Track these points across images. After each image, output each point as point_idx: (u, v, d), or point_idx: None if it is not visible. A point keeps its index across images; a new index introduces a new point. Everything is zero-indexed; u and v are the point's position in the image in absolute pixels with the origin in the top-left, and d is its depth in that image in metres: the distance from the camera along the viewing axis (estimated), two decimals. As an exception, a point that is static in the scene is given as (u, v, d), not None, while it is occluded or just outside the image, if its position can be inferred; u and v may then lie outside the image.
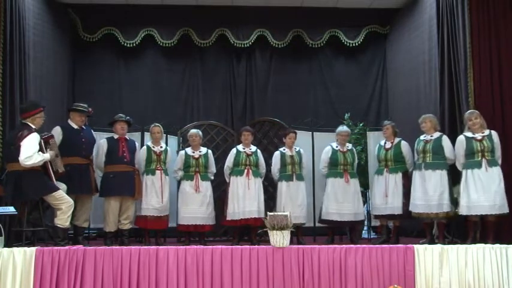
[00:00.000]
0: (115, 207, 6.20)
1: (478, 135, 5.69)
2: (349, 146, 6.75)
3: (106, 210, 6.22)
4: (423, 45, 7.41)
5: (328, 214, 6.48)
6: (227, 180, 6.56)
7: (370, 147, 7.25)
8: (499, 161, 5.63)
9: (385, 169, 6.33)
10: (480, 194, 5.51)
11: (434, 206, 5.77)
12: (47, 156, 5.37)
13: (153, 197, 6.31)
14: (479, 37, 6.22)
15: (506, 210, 5.46)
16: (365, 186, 7.36)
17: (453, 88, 6.47)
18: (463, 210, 5.60)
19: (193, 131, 6.70)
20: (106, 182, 6.24)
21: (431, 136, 6.03)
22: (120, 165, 6.23)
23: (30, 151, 5.19)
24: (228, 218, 6.35)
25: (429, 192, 5.80)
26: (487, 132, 5.70)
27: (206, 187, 6.45)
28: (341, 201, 6.43)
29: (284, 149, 6.66)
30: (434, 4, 6.97)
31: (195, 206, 6.35)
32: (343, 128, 6.77)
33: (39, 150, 5.29)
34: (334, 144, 6.69)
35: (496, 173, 5.53)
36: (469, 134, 5.76)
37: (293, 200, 6.41)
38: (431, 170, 5.85)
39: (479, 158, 5.61)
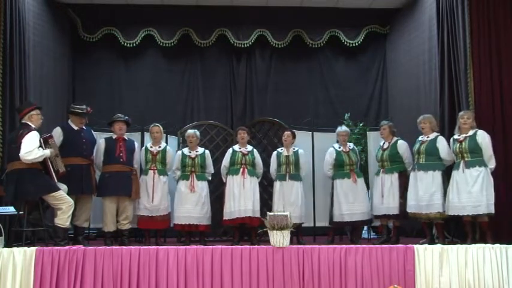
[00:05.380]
0: (111, 207, 6.21)
1: (461, 137, 5.71)
2: (351, 145, 6.77)
3: (103, 210, 6.24)
4: (423, 45, 7.41)
5: (341, 216, 6.47)
6: (224, 180, 6.57)
7: (370, 147, 7.26)
8: (491, 162, 5.57)
9: (381, 169, 6.34)
10: (454, 195, 5.58)
11: (423, 206, 5.79)
12: (47, 152, 5.38)
13: (145, 197, 6.33)
14: (479, 37, 6.22)
15: (484, 211, 5.41)
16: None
17: (453, 88, 6.47)
18: (446, 210, 5.71)
19: (190, 131, 6.70)
20: (102, 182, 6.25)
21: (427, 137, 6.03)
22: (116, 165, 6.23)
23: (31, 146, 5.21)
24: (225, 217, 6.37)
25: (419, 193, 5.83)
26: (471, 132, 5.68)
27: (202, 187, 6.44)
28: (352, 201, 6.44)
29: (281, 149, 6.67)
30: (434, 4, 6.97)
31: (190, 205, 6.34)
32: (342, 128, 6.79)
33: (39, 147, 5.30)
34: (337, 145, 6.70)
35: (474, 174, 5.49)
36: (456, 136, 5.80)
37: (285, 200, 6.40)
38: (423, 171, 5.87)
39: (459, 160, 5.66)
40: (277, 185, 6.53)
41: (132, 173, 6.29)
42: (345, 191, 6.48)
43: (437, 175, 5.83)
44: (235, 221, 6.31)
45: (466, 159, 5.60)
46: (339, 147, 6.66)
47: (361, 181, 6.58)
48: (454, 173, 5.67)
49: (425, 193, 5.79)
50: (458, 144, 5.69)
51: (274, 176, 6.65)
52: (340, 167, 6.58)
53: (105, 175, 6.23)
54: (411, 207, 5.93)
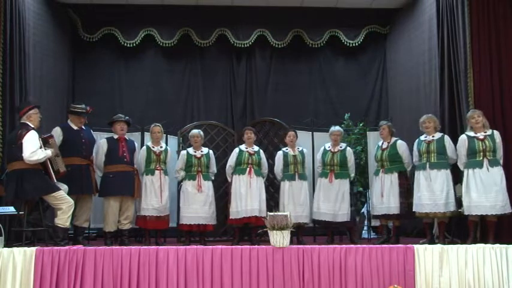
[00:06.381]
0: (115, 207, 6.20)
1: (480, 135, 5.68)
2: (343, 146, 6.72)
3: (106, 211, 6.23)
4: (423, 45, 7.41)
5: (313, 213, 6.56)
6: (229, 179, 6.57)
7: (370, 147, 7.26)
8: (501, 161, 5.63)
9: (381, 169, 6.33)
10: (481, 193, 5.50)
11: (441, 205, 5.75)
12: (48, 152, 5.39)
13: (153, 197, 6.32)
14: (479, 37, 6.22)
15: (508, 210, 5.46)
16: (365, 186, 7.36)
17: (453, 88, 6.48)
18: (465, 209, 5.62)
19: (194, 131, 6.71)
20: (105, 182, 6.24)
21: (432, 136, 6.01)
22: (119, 165, 6.24)
23: (34, 147, 5.22)
24: (231, 216, 6.36)
25: (436, 192, 5.79)
26: (489, 131, 5.69)
27: (208, 187, 6.46)
28: (322, 200, 6.47)
29: (287, 149, 6.67)
30: (434, 4, 6.98)
31: (197, 205, 6.35)
32: (334, 128, 6.76)
33: (40, 148, 5.30)
34: (328, 145, 6.71)
35: (498, 172, 5.52)
36: (471, 134, 5.75)
37: (295, 200, 6.42)
38: (437, 169, 5.84)
39: (481, 158, 5.61)
40: (285, 185, 6.52)
41: (135, 172, 6.31)
42: (320, 190, 6.53)
43: (449, 173, 5.83)
44: (242, 221, 6.31)
45: (489, 157, 5.58)
46: (328, 147, 6.67)
47: (340, 182, 6.49)
48: (476, 171, 5.58)
49: (442, 192, 5.76)
50: (479, 143, 5.64)
51: (280, 176, 6.64)
52: (324, 166, 6.62)
53: (109, 175, 6.22)
54: (425, 207, 5.83)
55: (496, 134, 5.69)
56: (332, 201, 6.44)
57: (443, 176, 5.80)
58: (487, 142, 5.62)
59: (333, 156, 6.57)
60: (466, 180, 5.64)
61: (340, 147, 6.66)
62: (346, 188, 6.52)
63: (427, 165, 5.91)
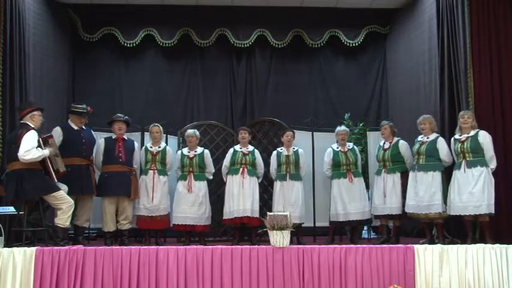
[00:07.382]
0: (111, 207, 6.21)
1: (463, 137, 5.71)
2: (350, 145, 6.76)
3: (103, 210, 6.24)
4: (423, 45, 7.41)
5: (336, 215, 6.50)
6: (224, 179, 6.57)
7: (370, 147, 7.26)
8: (492, 162, 5.58)
9: (383, 169, 6.34)
10: (456, 195, 5.59)
11: (424, 206, 5.80)
12: (46, 152, 5.38)
13: (144, 197, 6.33)
14: (479, 37, 6.22)
15: (484, 211, 5.42)
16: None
17: (453, 88, 6.48)
18: (447, 210, 5.72)
19: (190, 131, 6.70)
20: (101, 182, 6.25)
21: (427, 138, 6.03)
22: (115, 165, 6.24)
23: (29, 145, 5.21)
24: (225, 216, 6.38)
25: (419, 193, 5.84)
26: (472, 133, 5.68)
27: (199, 187, 6.43)
28: (347, 201, 6.46)
29: (281, 149, 6.67)
30: (434, 4, 6.98)
31: (186, 206, 6.34)
32: (341, 128, 6.79)
33: (37, 147, 5.30)
34: (335, 146, 6.71)
35: (476, 174, 5.51)
36: (457, 136, 5.81)
37: (286, 200, 6.41)
38: (423, 171, 5.87)
39: (461, 160, 5.66)
40: (277, 185, 6.53)
41: (132, 173, 6.29)
42: (341, 191, 6.50)
43: (437, 175, 5.83)
44: (235, 221, 6.32)
45: (468, 159, 5.60)
46: (337, 147, 6.67)
47: (358, 181, 6.56)
48: (456, 173, 5.67)
49: (425, 193, 5.80)
50: (459, 144, 5.68)
51: (274, 175, 6.65)
52: (337, 167, 6.60)
53: (105, 175, 6.24)
54: (410, 207, 5.94)
55: (482, 134, 5.65)
56: (357, 200, 6.47)
57: (429, 178, 5.83)
58: (465, 144, 5.64)
59: (346, 155, 6.58)
60: (451, 181, 5.72)
61: (349, 146, 6.69)
62: (363, 186, 6.63)
63: (416, 167, 5.95)
